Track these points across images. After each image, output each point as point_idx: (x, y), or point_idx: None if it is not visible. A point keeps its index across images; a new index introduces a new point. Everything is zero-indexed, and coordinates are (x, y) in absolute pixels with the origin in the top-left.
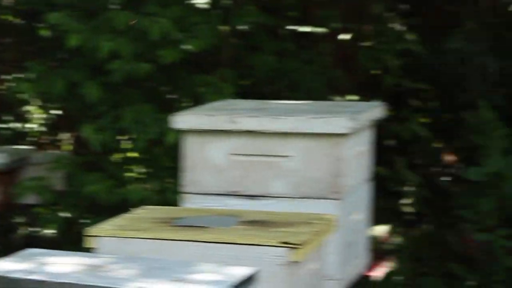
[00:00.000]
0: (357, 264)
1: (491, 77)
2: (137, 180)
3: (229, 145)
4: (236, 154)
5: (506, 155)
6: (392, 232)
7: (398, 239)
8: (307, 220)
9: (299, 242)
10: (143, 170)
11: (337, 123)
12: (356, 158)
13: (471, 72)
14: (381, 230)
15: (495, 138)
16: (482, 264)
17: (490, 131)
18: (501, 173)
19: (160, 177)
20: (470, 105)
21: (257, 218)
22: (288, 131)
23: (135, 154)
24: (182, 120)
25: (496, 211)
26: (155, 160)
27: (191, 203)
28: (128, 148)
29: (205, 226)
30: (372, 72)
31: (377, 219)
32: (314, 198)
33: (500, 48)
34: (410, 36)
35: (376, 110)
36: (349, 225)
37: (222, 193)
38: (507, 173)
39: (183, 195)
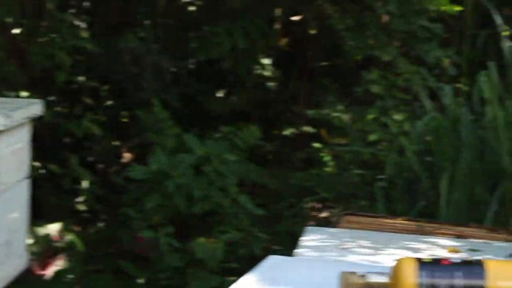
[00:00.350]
0: (15, 264)
1: (165, 76)
2: None
3: None
4: None
5: (173, 153)
6: (65, 230)
7: (71, 237)
8: None
9: None
10: None
11: None
12: (13, 155)
13: (145, 71)
14: (54, 228)
15: (167, 137)
16: (151, 262)
17: (162, 130)
18: (164, 172)
19: None
20: (145, 103)
21: None
22: None
23: None
24: None
25: (161, 209)
26: None
27: None
28: None
29: None
30: (46, 68)
31: (51, 217)
32: None
33: (174, 48)
34: (85, 34)
35: (34, 107)
36: (5, 224)
37: None
38: (170, 172)
39: None
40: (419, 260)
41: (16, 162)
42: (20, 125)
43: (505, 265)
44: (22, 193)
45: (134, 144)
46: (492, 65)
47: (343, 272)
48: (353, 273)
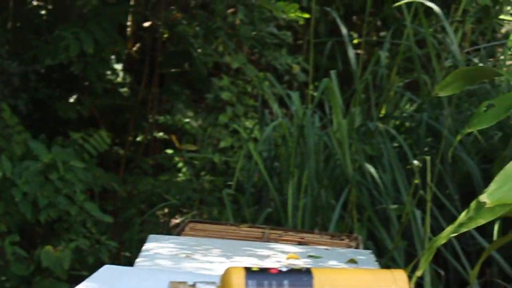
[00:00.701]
0: None
1: (13, 81)
2: None
3: None
4: None
5: (20, 160)
6: None
7: None
8: None
9: None
10: None
11: None
12: None
13: None
14: None
15: (15, 143)
16: None
17: (11, 136)
18: (10, 179)
19: None
20: None
21: None
22: None
23: None
24: None
25: (7, 216)
26: None
27: None
28: None
29: None
30: None
31: None
32: None
33: (24, 52)
34: None
35: None
36: None
37: None
38: (15, 179)
39: None
40: (247, 269)
41: None
42: None
43: (333, 273)
44: None
45: None
46: (333, 73)
47: (172, 282)
48: (182, 282)
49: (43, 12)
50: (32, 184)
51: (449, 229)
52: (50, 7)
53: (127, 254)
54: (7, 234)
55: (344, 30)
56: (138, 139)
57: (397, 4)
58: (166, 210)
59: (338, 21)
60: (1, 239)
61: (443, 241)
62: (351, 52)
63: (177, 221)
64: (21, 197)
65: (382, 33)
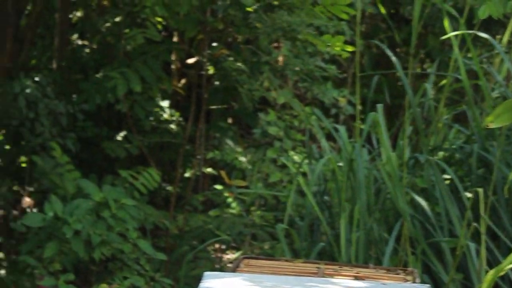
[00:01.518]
0: None
1: (61, 120)
2: None
3: None
4: None
5: (71, 199)
6: None
7: None
8: None
9: None
10: None
11: None
12: None
13: (41, 116)
14: None
15: (67, 182)
16: None
17: (62, 175)
18: (63, 218)
19: None
20: (42, 148)
21: None
22: None
23: None
24: None
25: (60, 255)
26: None
27: None
28: None
29: None
30: None
31: None
32: None
33: (71, 91)
34: None
35: None
36: None
37: None
38: (67, 218)
39: None
40: None
41: None
42: None
43: None
44: None
45: (34, 189)
46: (380, 106)
47: None
48: None
49: (87, 50)
50: (84, 222)
51: (506, 261)
52: (94, 46)
53: None
54: (62, 273)
55: (394, 60)
56: (187, 175)
57: (446, 36)
58: (217, 246)
59: (388, 51)
60: (56, 277)
61: (502, 273)
62: (406, 83)
63: (229, 256)
64: (73, 235)
65: (425, 65)
